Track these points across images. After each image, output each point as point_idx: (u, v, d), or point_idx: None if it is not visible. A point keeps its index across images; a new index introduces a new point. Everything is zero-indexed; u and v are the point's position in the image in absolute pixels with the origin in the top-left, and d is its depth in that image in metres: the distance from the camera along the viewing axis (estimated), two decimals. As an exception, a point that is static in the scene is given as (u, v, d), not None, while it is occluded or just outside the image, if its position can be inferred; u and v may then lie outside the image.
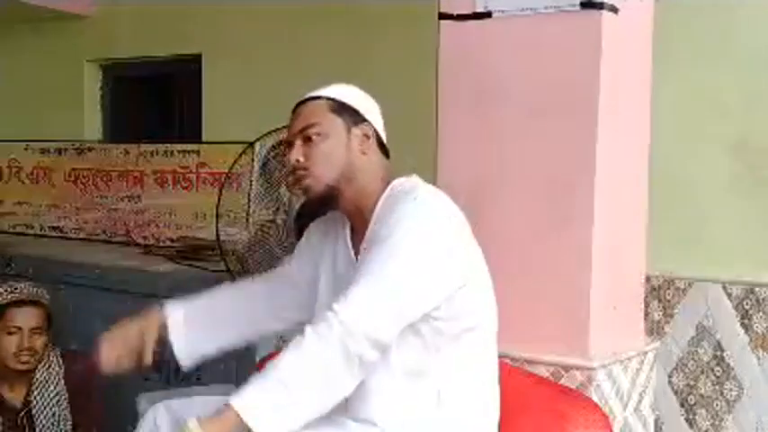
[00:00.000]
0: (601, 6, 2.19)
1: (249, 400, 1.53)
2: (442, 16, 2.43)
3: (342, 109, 1.81)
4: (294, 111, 1.85)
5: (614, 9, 2.22)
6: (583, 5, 2.20)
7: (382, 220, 1.72)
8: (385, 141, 1.88)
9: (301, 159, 1.80)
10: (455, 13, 2.40)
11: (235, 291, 2.09)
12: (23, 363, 2.75)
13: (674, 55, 2.66)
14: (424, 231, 1.65)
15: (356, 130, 1.81)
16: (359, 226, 1.84)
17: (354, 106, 1.82)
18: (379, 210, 1.78)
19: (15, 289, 2.80)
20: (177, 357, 1.98)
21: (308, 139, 1.79)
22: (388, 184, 1.82)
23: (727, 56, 2.71)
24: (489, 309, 1.81)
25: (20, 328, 2.75)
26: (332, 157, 1.78)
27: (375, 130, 1.84)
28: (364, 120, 1.83)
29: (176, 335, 1.97)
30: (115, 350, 1.91)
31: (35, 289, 2.84)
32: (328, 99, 1.81)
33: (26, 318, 2.76)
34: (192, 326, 1.98)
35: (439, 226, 1.68)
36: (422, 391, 1.73)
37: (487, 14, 2.35)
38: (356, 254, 1.84)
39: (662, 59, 2.57)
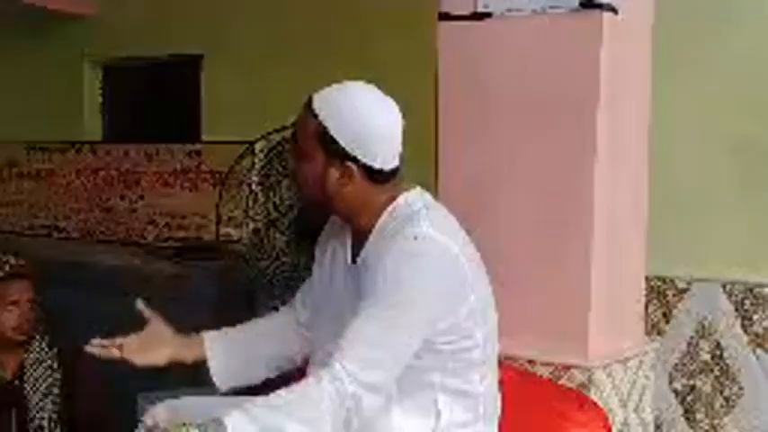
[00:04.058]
0: (601, 6, 2.20)
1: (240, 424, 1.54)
2: (442, 17, 2.43)
3: (327, 141, 1.72)
4: (302, 107, 1.79)
5: (614, 9, 2.23)
6: (583, 5, 2.20)
7: (381, 245, 1.71)
8: (386, 167, 1.76)
9: (294, 168, 1.85)
10: (455, 13, 2.40)
11: (267, 328, 2.08)
12: (24, 333, 2.77)
13: (673, 55, 2.66)
14: (420, 285, 1.65)
15: (334, 169, 1.74)
16: (358, 233, 1.83)
17: (341, 142, 1.71)
18: (379, 227, 1.77)
19: (5, 263, 2.79)
20: (214, 380, 2.00)
21: (296, 153, 1.81)
22: (392, 199, 1.78)
23: (728, 55, 2.71)
24: (489, 327, 1.81)
25: (17, 302, 2.75)
26: (310, 180, 1.78)
27: (363, 165, 1.73)
28: (349, 156, 1.72)
29: (214, 358, 1.99)
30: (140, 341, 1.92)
31: (20, 261, 2.83)
32: (320, 123, 1.72)
33: (22, 290, 2.77)
34: (230, 355, 2.00)
35: (436, 275, 1.67)
36: (419, 403, 1.73)
37: (487, 14, 2.35)
38: (353, 261, 1.83)
39: (662, 59, 2.57)
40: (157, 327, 1.96)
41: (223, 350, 1.99)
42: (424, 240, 1.68)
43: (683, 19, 2.70)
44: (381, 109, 1.76)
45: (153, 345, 1.93)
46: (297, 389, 1.59)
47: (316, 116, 1.73)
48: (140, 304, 1.97)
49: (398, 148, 1.78)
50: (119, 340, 1.91)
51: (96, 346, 1.91)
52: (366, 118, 1.73)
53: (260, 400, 1.59)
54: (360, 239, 1.82)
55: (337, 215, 1.86)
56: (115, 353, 1.90)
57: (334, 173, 1.74)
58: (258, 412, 1.55)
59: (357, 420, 1.59)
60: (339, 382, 1.56)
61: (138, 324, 1.95)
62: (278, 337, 2.04)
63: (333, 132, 1.72)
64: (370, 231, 1.78)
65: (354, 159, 1.73)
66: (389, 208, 1.77)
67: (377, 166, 1.74)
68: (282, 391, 1.60)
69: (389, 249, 1.67)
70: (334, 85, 1.78)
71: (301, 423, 1.54)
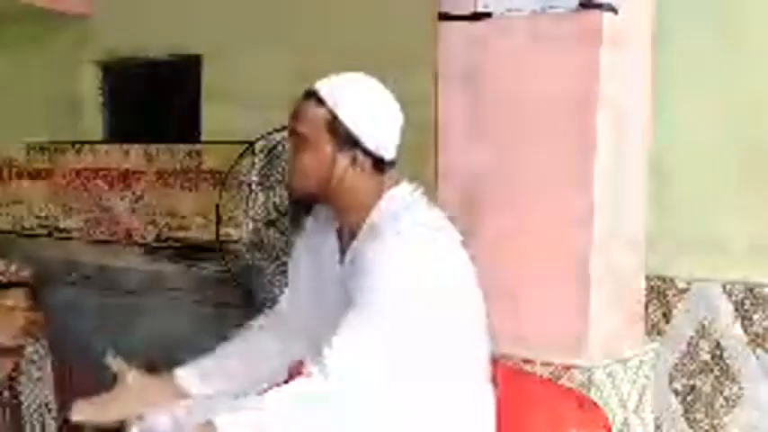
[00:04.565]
0: (601, 6, 2.20)
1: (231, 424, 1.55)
2: (442, 17, 2.43)
3: (337, 129, 1.72)
4: (302, 97, 1.78)
5: (614, 9, 2.23)
6: (583, 5, 2.20)
7: (369, 240, 1.70)
8: (388, 157, 1.77)
9: (291, 160, 1.82)
10: (455, 13, 2.40)
11: (245, 348, 2.00)
12: (18, 341, 2.76)
13: (675, 54, 2.66)
14: (406, 284, 1.65)
15: (343, 157, 1.74)
16: (347, 227, 1.83)
17: (351, 128, 1.72)
18: (369, 223, 1.76)
19: (4, 271, 2.78)
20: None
21: (297, 143, 1.79)
22: (384, 192, 1.79)
23: (731, 55, 2.71)
24: (483, 326, 1.80)
25: (12, 309, 2.74)
26: (312, 170, 1.76)
27: (370, 153, 1.74)
28: (358, 144, 1.73)
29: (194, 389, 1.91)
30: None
31: (21, 268, 2.82)
32: (329, 111, 1.73)
33: (18, 298, 2.76)
34: (209, 383, 1.93)
35: (423, 274, 1.67)
36: (416, 403, 1.73)
37: (487, 14, 2.35)
38: (342, 256, 1.83)
39: (663, 59, 2.57)
40: (126, 387, 1.87)
41: (201, 386, 1.91)
42: (412, 235, 1.68)
43: (684, 18, 2.69)
44: (385, 98, 1.79)
45: (120, 403, 1.85)
46: (286, 388, 1.61)
47: (323, 104, 1.73)
48: (110, 359, 1.90)
49: (398, 138, 1.80)
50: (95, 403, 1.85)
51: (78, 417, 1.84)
52: (373, 106, 1.76)
53: (250, 399, 1.60)
54: (348, 234, 1.81)
55: (332, 207, 1.83)
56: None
57: (342, 160, 1.74)
58: (246, 412, 1.57)
59: (349, 417, 1.60)
60: (328, 377, 1.57)
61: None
62: (257, 367, 1.96)
63: (343, 120, 1.72)
64: (359, 227, 1.78)
65: (363, 147, 1.74)
66: (381, 202, 1.78)
67: (381, 154, 1.76)
68: (272, 391, 1.61)
69: (378, 242, 1.67)
70: (335, 76, 1.78)
71: (291, 420, 1.56)
